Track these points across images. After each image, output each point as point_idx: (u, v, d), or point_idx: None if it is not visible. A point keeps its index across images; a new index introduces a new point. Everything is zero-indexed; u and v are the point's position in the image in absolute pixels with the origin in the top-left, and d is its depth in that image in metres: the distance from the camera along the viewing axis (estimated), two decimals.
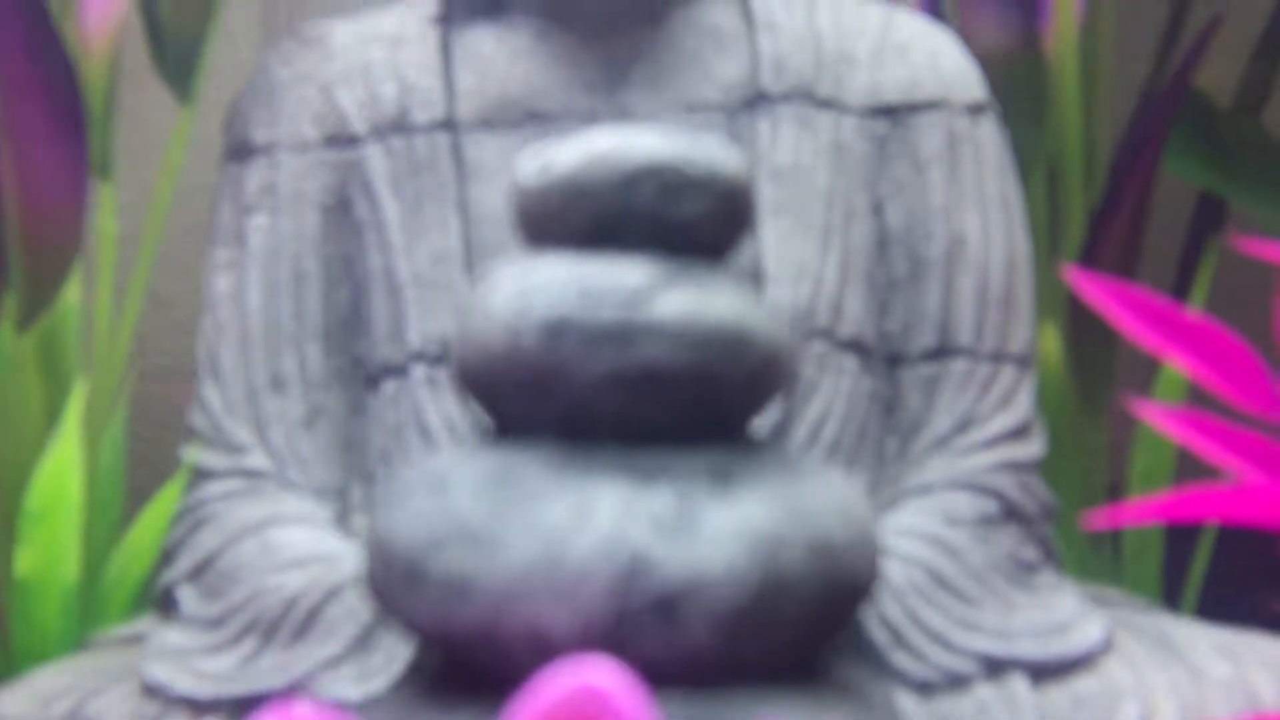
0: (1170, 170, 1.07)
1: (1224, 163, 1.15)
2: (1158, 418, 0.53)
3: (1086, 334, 0.98)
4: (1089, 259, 0.96)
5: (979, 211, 0.81)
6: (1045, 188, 0.99)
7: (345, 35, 0.84)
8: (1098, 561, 0.98)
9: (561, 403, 0.38)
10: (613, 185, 0.39)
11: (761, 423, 0.71)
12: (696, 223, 0.40)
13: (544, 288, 0.38)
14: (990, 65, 0.94)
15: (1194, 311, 0.91)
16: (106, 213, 0.92)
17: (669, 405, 0.38)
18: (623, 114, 0.80)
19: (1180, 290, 1.16)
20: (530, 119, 0.81)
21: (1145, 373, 0.97)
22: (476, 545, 0.37)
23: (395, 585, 0.38)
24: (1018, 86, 0.95)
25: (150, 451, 1.21)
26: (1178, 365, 0.52)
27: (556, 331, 0.38)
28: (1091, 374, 0.99)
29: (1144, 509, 0.47)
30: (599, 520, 0.36)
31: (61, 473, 0.76)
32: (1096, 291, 0.55)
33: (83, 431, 0.82)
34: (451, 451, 0.41)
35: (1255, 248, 0.56)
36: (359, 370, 0.81)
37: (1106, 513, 0.46)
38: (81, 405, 0.80)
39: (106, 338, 0.90)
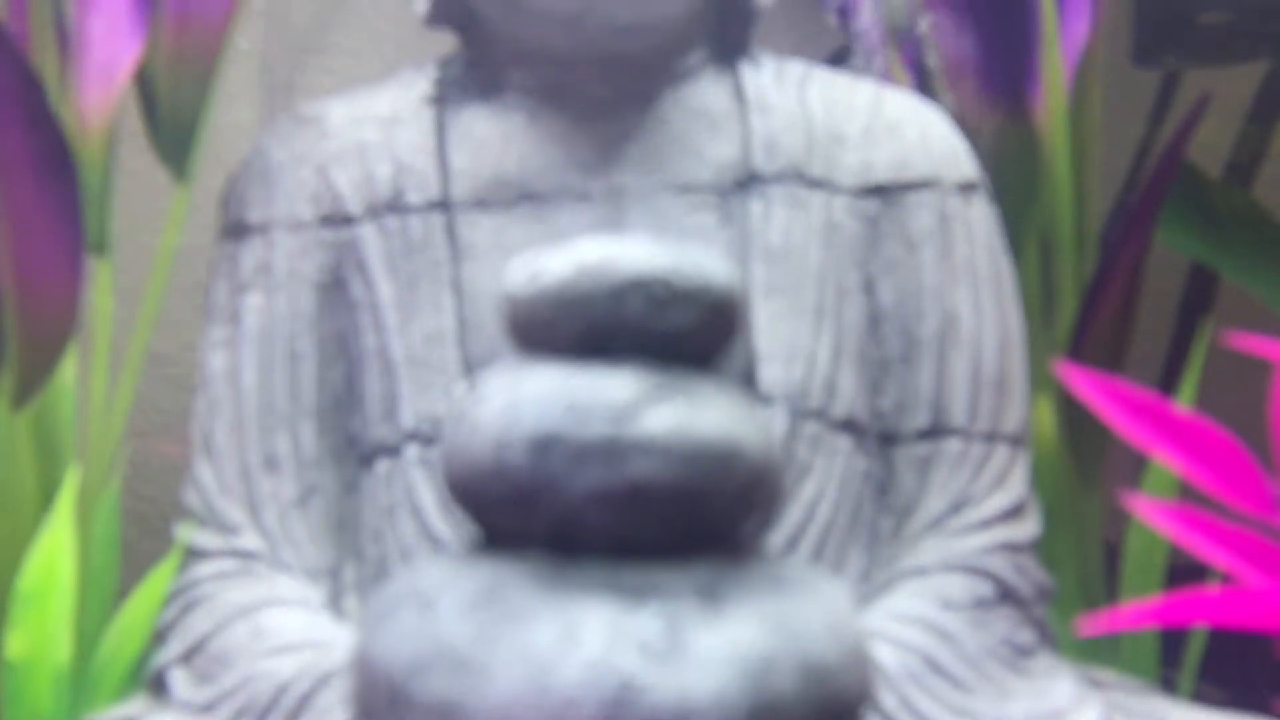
0: (1162, 242, 1.08)
1: (1216, 234, 1.15)
2: (1150, 514, 0.53)
3: (1080, 406, 0.98)
4: (1082, 332, 0.96)
5: (971, 290, 0.81)
6: (1038, 259, 0.99)
7: (341, 115, 0.85)
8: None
9: (549, 518, 0.38)
10: (602, 297, 0.39)
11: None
12: (686, 334, 0.40)
13: (531, 402, 0.39)
14: (981, 140, 0.95)
15: (1189, 392, 0.91)
16: (103, 289, 0.92)
17: (657, 521, 0.38)
18: (616, 195, 0.81)
19: (1174, 365, 1.17)
20: (524, 199, 0.81)
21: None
22: (462, 670, 0.37)
23: (379, 707, 0.38)
24: (1008, 161, 0.95)
25: (148, 508, 1.21)
26: (1168, 461, 0.52)
27: (544, 447, 0.38)
28: (1085, 446, 0.99)
29: (1139, 613, 0.47)
30: (586, 645, 0.36)
31: (54, 557, 0.76)
32: (1086, 386, 0.55)
33: (77, 508, 0.82)
34: (438, 563, 0.41)
35: (1243, 342, 0.56)
36: (353, 448, 0.81)
37: (1101, 618, 0.46)
38: (74, 490, 0.80)
39: (101, 415, 0.90)
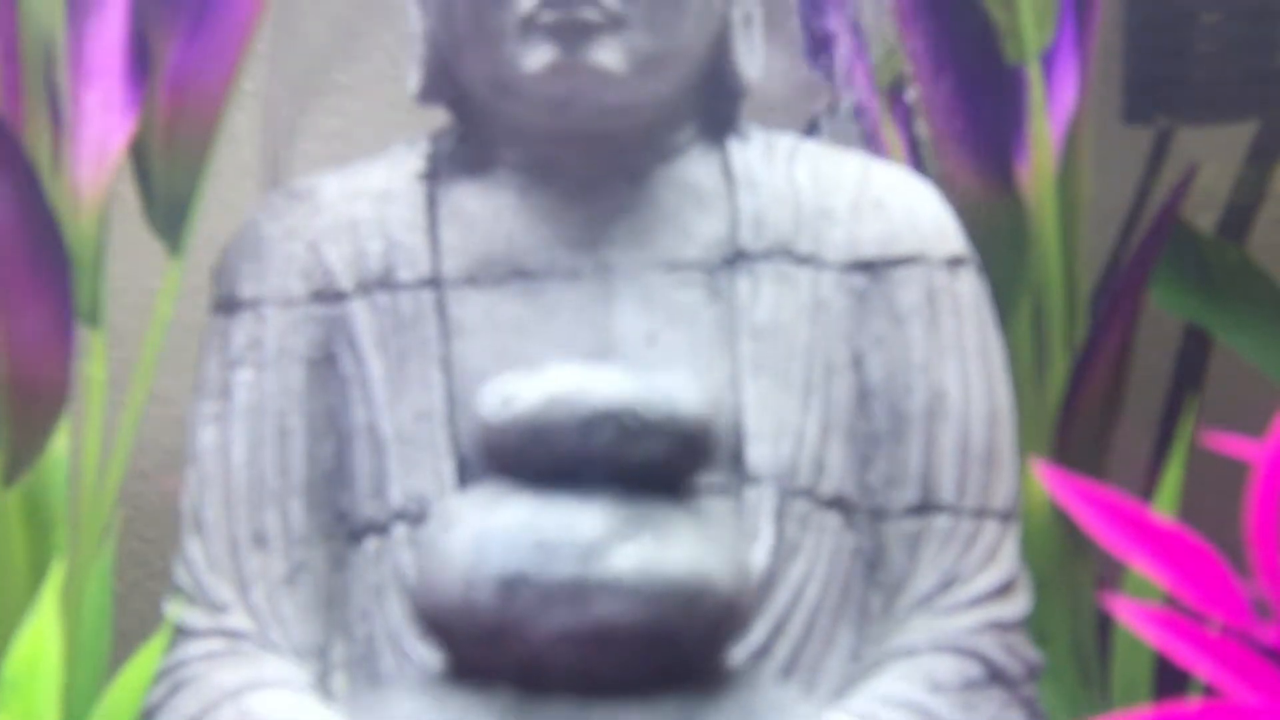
0: (1155, 301, 1.08)
1: (1209, 292, 1.15)
2: (1135, 619, 0.53)
3: (1072, 471, 0.98)
4: (1073, 400, 0.96)
5: (959, 365, 0.81)
6: (1030, 321, 0.99)
7: (333, 190, 0.85)
8: (1087, 702, 0.98)
9: (517, 656, 0.38)
10: (571, 428, 0.40)
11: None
12: (656, 464, 0.40)
13: (500, 538, 0.39)
14: (969, 208, 0.95)
15: (1175, 475, 0.91)
16: (96, 360, 0.92)
17: (625, 661, 0.38)
18: (604, 272, 0.81)
19: (1168, 429, 1.17)
20: (514, 276, 0.81)
21: None
22: None
23: None
24: (997, 230, 0.95)
25: (147, 550, 1.21)
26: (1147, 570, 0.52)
27: (511, 587, 0.38)
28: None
29: None
30: None
31: (40, 643, 0.76)
32: (1066, 492, 0.55)
33: (68, 581, 0.82)
34: (409, 695, 0.41)
35: (1224, 444, 0.57)
36: (342, 523, 0.81)
37: None
38: (62, 575, 0.80)
39: (93, 487, 0.90)
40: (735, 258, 0.81)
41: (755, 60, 0.86)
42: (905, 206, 0.84)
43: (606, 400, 0.40)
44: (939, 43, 0.95)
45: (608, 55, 0.76)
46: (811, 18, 1.04)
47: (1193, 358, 1.16)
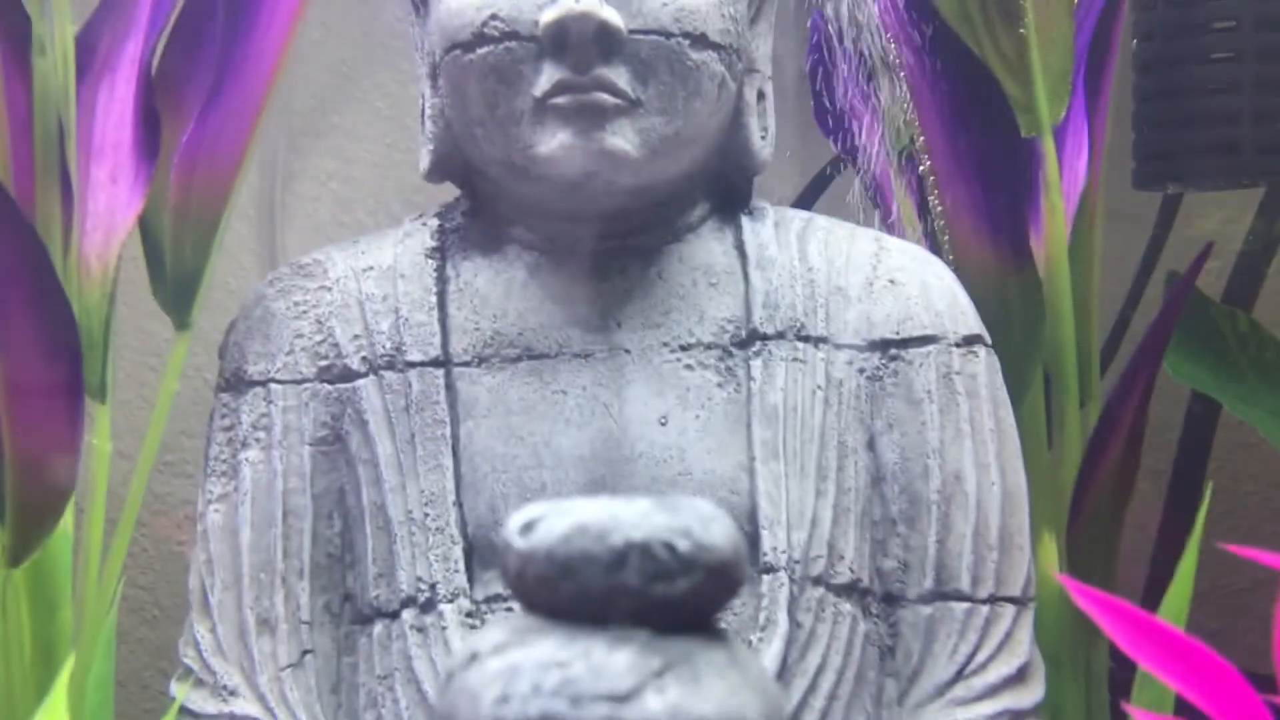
0: (1168, 369, 1.07)
1: (1221, 360, 1.15)
2: None
3: (1086, 545, 0.98)
4: (1089, 474, 0.95)
5: (974, 449, 0.80)
6: (1043, 394, 0.99)
7: (342, 266, 0.85)
8: None
9: None
10: (599, 563, 0.39)
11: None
12: (686, 599, 0.39)
13: (527, 680, 0.38)
14: (982, 280, 0.94)
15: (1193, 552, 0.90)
16: (102, 433, 0.92)
17: None
18: (616, 353, 0.80)
19: (1180, 481, 1.16)
20: (524, 357, 0.81)
21: None
22: None
23: None
24: (1010, 301, 0.95)
25: (144, 597, 1.20)
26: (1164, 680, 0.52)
27: None
28: (1091, 585, 0.98)
29: None
30: None
31: None
32: (1086, 600, 0.55)
33: (72, 669, 0.81)
34: None
35: (1244, 552, 0.56)
36: (349, 605, 0.80)
37: None
38: (70, 668, 0.79)
39: (97, 564, 0.89)
40: (748, 339, 0.81)
41: (768, 138, 0.85)
42: (919, 285, 0.83)
43: (633, 535, 0.39)
44: (952, 115, 0.95)
45: (622, 139, 0.76)
46: (824, 87, 1.04)
47: (1202, 416, 1.16)
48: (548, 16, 0.74)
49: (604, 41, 0.75)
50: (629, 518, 0.40)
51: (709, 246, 0.84)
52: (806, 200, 1.19)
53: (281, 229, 1.32)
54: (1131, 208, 1.20)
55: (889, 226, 1.04)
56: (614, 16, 0.75)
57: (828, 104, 1.06)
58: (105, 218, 0.90)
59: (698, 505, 0.42)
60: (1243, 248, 1.23)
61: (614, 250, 0.82)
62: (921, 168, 0.99)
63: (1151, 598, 0.98)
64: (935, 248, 1.00)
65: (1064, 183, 0.96)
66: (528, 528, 0.41)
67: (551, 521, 0.41)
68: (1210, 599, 1.06)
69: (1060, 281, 0.95)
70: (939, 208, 0.97)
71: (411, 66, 0.86)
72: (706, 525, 0.40)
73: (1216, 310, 1.18)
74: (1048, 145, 0.94)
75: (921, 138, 0.98)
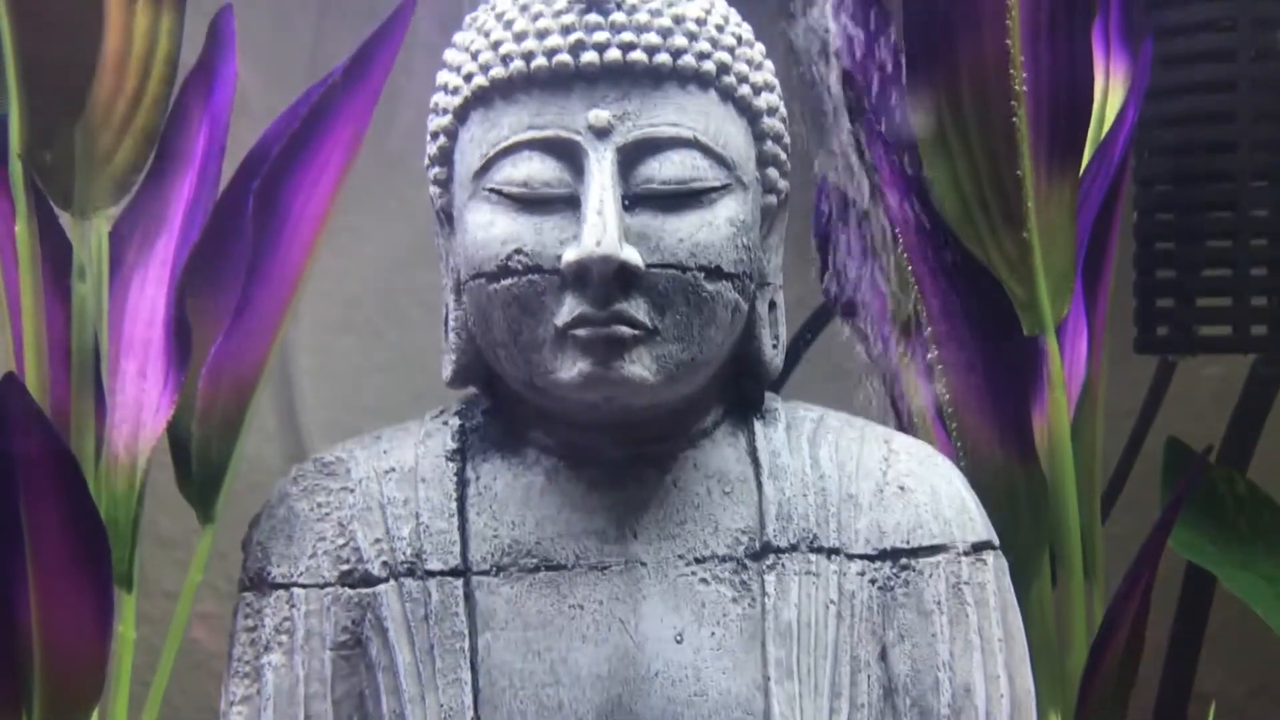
0: (1170, 543, 1.09)
1: (1219, 526, 1.17)
2: None
3: None
4: (1096, 665, 0.97)
5: (983, 660, 0.82)
6: (1050, 573, 1.00)
7: (364, 466, 0.86)
8: None
9: None
10: None
11: None
12: None
13: None
14: (989, 473, 0.97)
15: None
16: (127, 622, 0.94)
17: None
18: (632, 566, 0.82)
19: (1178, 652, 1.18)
20: (542, 567, 0.83)
21: None
22: None
23: None
24: (1016, 493, 0.97)
25: None
26: None
27: None
28: None
29: None
30: None
31: None
32: None
33: None
34: None
35: None
36: None
37: None
38: None
39: None
40: (762, 551, 0.83)
41: (779, 346, 0.88)
42: (928, 492, 0.85)
43: None
44: (956, 310, 0.97)
45: (639, 366, 0.78)
46: (834, 278, 1.06)
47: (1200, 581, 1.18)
48: (570, 255, 0.77)
49: (624, 279, 0.77)
50: None
51: (723, 453, 0.86)
52: (808, 330, 1.21)
53: (301, 403, 1.34)
54: (1126, 364, 1.22)
55: (896, 407, 1.06)
56: (634, 256, 0.77)
57: (833, 269, 1.09)
58: (133, 410, 0.92)
59: None
60: (1236, 407, 1.25)
61: (630, 456, 0.84)
62: (930, 355, 1.01)
63: None
64: (940, 417, 1.03)
65: (1068, 378, 0.98)
66: None
67: None
68: None
69: (1064, 472, 0.97)
70: (945, 395, 1.00)
71: (420, 173, 0.88)
72: None
73: (1215, 473, 1.20)
74: (1051, 344, 0.96)
75: (925, 313, 1.00)
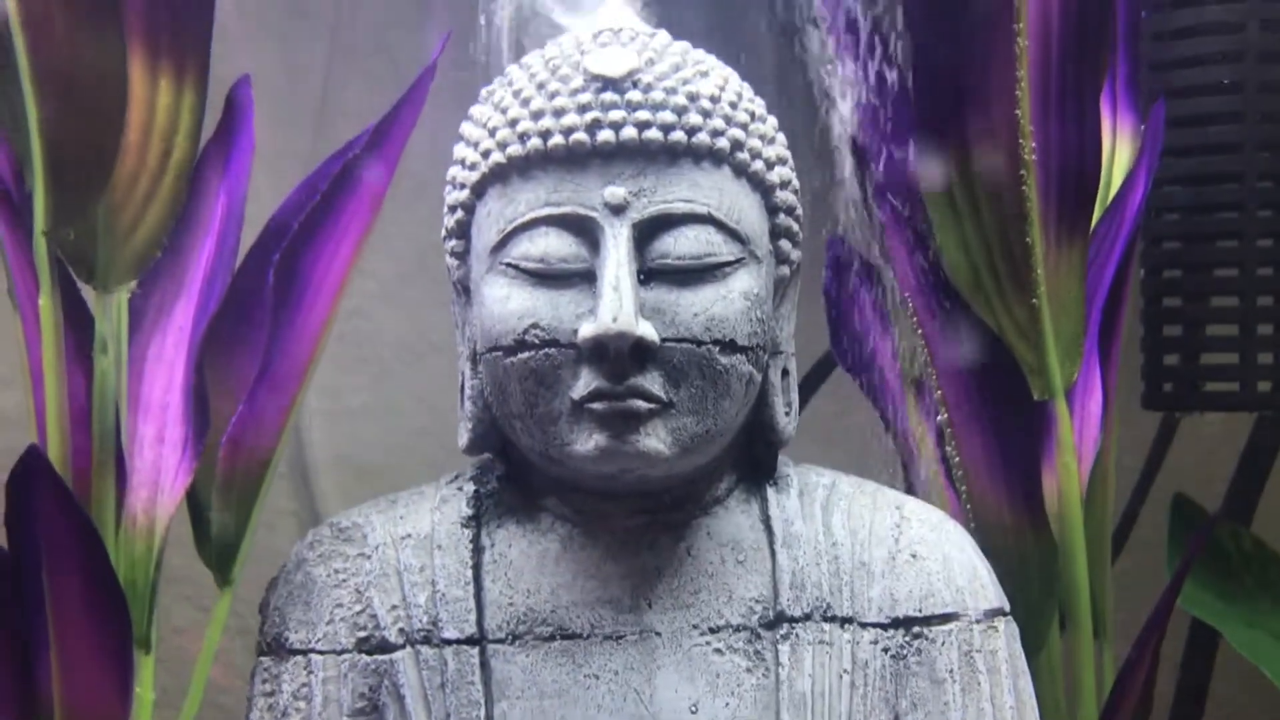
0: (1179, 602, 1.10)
1: (1225, 582, 1.18)
2: None
3: None
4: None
5: None
6: (1059, 647, 1.01)
7: (381, 532, 0.87)
8: None
9: None
10: None
11: None
12: None
13: None
14: (1000, 537, 0.97)
15: None
16: (145, 684, 0.94)
17: None
18: (647, 635, 0.83)
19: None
20: (557, 635, 0.83)
21: None
22: None
23: None
24: (1027, 557, 0.98)
25: None
26: None
27: None
28: None
29: None
30: None
31: None
32: None
33: None
34: None
35: None
36: None
37: None
38: None
39: None
40: (776, 620, 0.84)
41: (792, 413, 0.89)
42: (940, 559, 0.86)
43: None
44: (966, 376, 0.98)
45: (655, 439, 0.79)
46: (841, 322, 1.07)
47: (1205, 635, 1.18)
48: (586, 331, 0.78)
49: (639, 353, 0.78)
50: None
51: (736, 520, 0.87)
52: (813, 379, 1.22)
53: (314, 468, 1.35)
54: (1130, 418, 1.23)
55: (906, 469, 1.07)
56: (649, 332, 0.78)
57: (842, 332, 1.10)
58: (151, 474, 0.93)
59: None
60: (1240, 463, 1.26)
61: (645, 523, 0.85)
62: (940, 417, 1.02)
63: None
64: (950, 479, 1.03)
65: (1079, 443, 0.99)
66: None
67: None
68: None
69: (1074, 535, 0.98)
70: (956, 458, 1.00)
71: (429, 207, 0.88)
72: None
73: (1220, 529, 1.21)
74: (1060, 409, 0.97)
75: (935, 376, 1.01)
